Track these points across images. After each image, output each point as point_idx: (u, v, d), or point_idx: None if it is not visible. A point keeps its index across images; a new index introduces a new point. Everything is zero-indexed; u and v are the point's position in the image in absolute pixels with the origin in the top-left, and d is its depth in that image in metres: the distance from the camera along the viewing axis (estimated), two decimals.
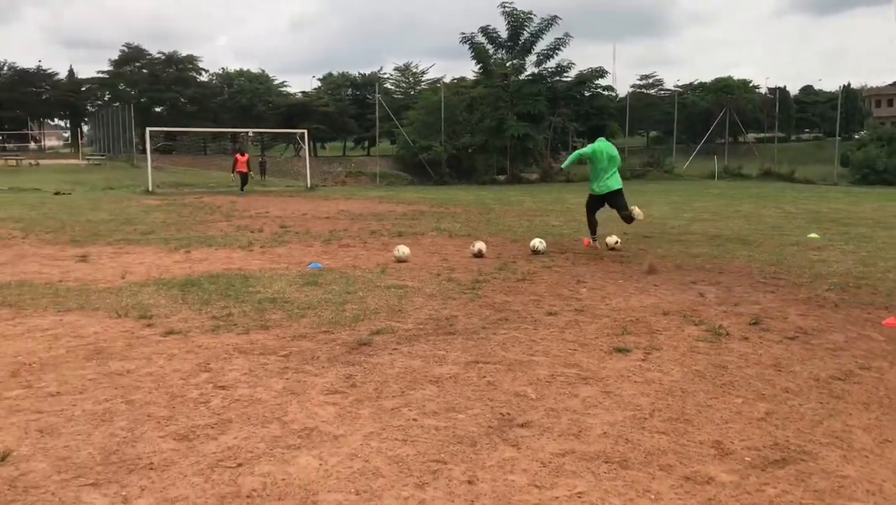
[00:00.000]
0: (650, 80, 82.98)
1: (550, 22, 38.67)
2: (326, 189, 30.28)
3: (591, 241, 11.27)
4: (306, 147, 35.00)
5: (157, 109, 77.41)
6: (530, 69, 41.22)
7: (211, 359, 5.25)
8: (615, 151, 11.08)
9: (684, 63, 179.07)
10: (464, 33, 39.72)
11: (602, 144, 11.00)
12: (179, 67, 78.74)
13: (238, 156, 27.25)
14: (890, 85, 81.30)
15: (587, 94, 45.93)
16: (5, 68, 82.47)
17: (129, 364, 5.11)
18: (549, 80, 41.92)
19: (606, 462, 3.57)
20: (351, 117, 77.19)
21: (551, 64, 41.16)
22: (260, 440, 3.80)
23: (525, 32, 39.34)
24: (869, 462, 3.58)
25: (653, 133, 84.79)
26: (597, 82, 45.88)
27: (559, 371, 5.02)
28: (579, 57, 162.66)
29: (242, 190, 26.67)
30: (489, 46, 40.13)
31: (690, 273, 8.92)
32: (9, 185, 28.92)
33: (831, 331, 6.13)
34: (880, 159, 38.10)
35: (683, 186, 32.36)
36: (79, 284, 8.14)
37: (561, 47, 39.78)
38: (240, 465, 3.50)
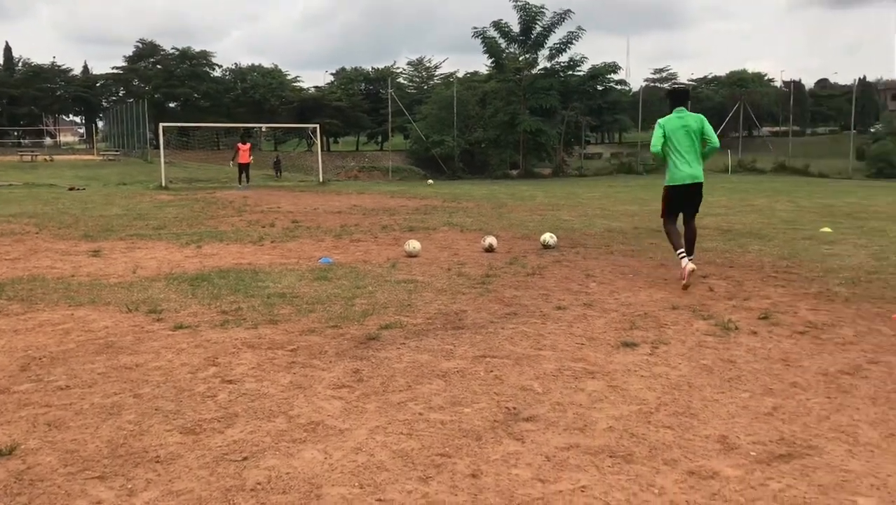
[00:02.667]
0: (664, 74, 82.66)
1: (563, 16, 38.65)
2: (339, 184, 30.33)
3: (682, 262, 7.59)
4: (318, 141, 35.08)
5: (171, 105, 77.80)
6: (543, 63, 41.23)
7: (219, 353, 5.28)
8: (699, 125, 7.77)
9: (698, 56, 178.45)
10: (476, 27, 39.79)
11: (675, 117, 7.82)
12: (193, 63, 79.00)
13: (239, 144, 26.26)
14: None
15: (600, 88, 45.77)
16: (20, 64, 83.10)
17: (138, 358, 5.15)
18: (561, 74, 41.85)
19: (611, 456, 3.56)
20: (364, 112, 77.26)
21: (564, 58, 41.19)
22: (266, 434, 3.82)
23: (537, 26, 39.31)
24: (874, 456, 3.55)
25: None
26: (610, 76, 45.73)
27: (566, 365, 5.02)
28: (592, 51, 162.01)
29: (240, 183, 26.09)
30: (501, 41, 40.16)
31: (701, 267, 8.87)
32: (24, 181, 29.18)
33: (841, 325, 6.09)
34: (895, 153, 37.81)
35: None
36: (90, 278, 8.20)
37: (573, 41, 39.80)
38: (245, 458, 3.52)
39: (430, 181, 34.81)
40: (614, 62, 43.99)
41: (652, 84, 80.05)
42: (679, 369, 4.94)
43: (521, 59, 40.04)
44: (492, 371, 4.90)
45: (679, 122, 7.76)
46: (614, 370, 4.92)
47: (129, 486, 3.24)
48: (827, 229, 12.61)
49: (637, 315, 6.45)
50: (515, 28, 39.04)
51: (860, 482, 3.29)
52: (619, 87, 48.21)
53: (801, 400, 4.34)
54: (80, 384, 4.61)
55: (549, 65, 40.78)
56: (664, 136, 7.78)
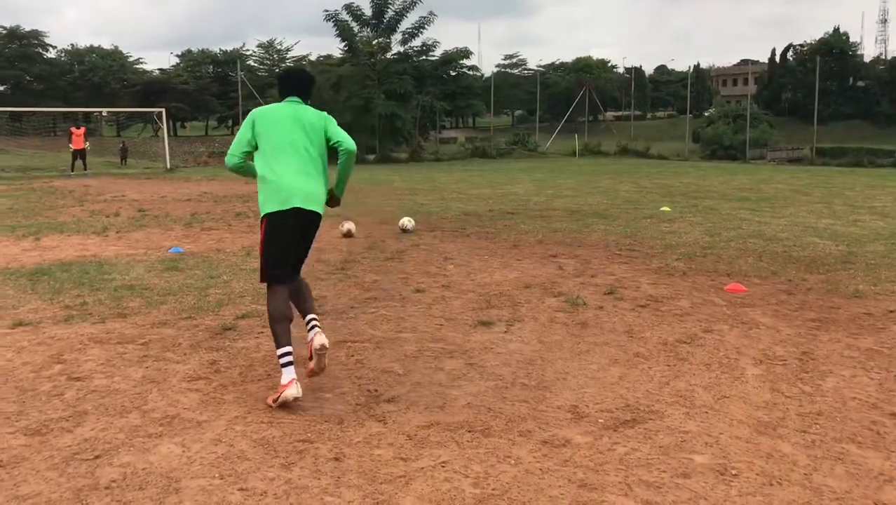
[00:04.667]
0: (514, 60, 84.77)
1: (414, 1, 38.73)
2: (188, 170, 29.19)
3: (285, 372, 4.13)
4: (165, 126, 33.56)
5: (0, 88, 72.25)
6: (396, 48, 41.22)
7: (64, 350, 5.02)
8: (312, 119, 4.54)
9: (547, 43, 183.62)
10: (327, 10, 39.19)
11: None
12: (23, 43, 73.45)
13: (73, 129, 24.80)
14: (735, 65, 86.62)
15: (453, 73, 46.37)
16: None
17: None
18: (415, 59, 42.04)
19: (469, 431, 3.70)
20: (213, 95, 74.67)
21: (417, 43, 41.32)
22: (118, 431, 3.68)
23: (389, 10, 39.23)
24: (708, 417, 3.88)
25: (518, 112, 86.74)
26: (462, 62, 46.40)
27: (426, 346, 5.13)
28: (444, 36, 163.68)
29: (73, 170, 24.61)
30: (354, 24, 39.78)
31: (551, 247, 9.27)
32: None
33: (679, 298, 6.55)
34: (727, 135, 40.69)
35: (547, 164, 33.34)
36: None
37: (426, 26, 39.97)
38: (97, 456, 3.39)
39: None
40: (466, 48, 44.57)
41: (504, 69, 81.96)
42: (532, 345, 5.16)
43: (374, 43, 39.93)
44: (353, 356, 4.94)
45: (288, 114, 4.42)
46: (472, 349, 5.07)
47: None
48: (666, 208, 13.44)
49: (493, 294, 6.66)
50: (368, 11, 38.89)
51: (696, 441, 3.58)
52: (471, 72, 49.05)
53: (644, 369, 4.66)
54: None
55: (402, 49, 40.93)
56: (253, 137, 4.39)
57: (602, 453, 3.45)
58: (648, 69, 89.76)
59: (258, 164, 4.34)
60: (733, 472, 3.25)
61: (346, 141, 4.45)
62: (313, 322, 4.40)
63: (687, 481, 3.16)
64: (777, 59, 71.11)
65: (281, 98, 4.55)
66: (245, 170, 4.50)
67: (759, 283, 7.15)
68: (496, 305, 6.31)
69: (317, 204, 4.37)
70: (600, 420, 3.85)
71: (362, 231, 10.73)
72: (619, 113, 73.45)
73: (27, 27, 74.23)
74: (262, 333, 5.45)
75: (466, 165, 33.23)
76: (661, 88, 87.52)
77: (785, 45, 75.97)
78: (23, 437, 3.62)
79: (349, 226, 10.45)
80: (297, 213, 4.25)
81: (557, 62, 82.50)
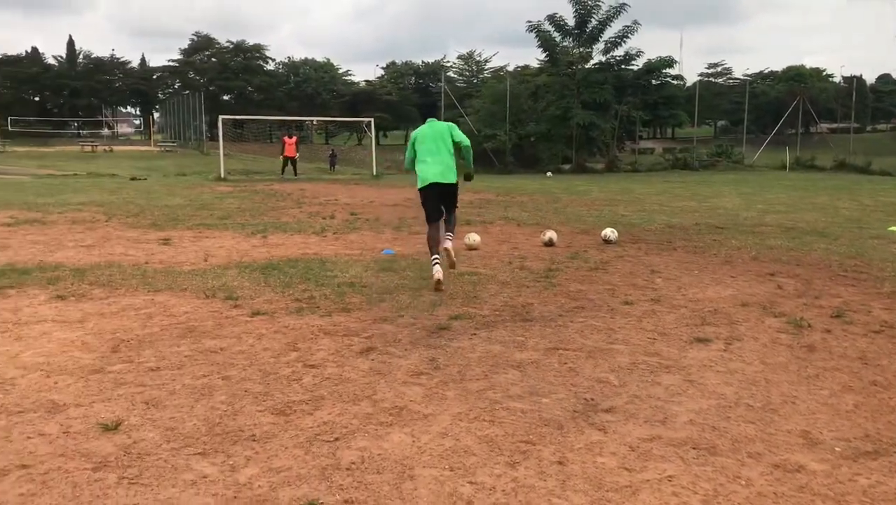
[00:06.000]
0: (718, 69, 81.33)
1: (619, 9, 38.25)
2: (391, 177, 30.53)
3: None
4: (373, 135, 35.31)
5: (225, 98, 79.13)
6: (597, 57, 40.87)
7: (298, 339, 5.43)
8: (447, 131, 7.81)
9: (754, 51, 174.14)
10: (530, 21, 39.62)
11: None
12: (247, 56, 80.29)
13: (285, 138, 26.79)
14: None
15: (655, 82, 45.15)
16: (81, 56, 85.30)
17: (221, 342, 5.33)
18: (616, 68, 41.46)
19: (694, 448, 3.60)
20: (413, 105, 77.58)
21: (619, 52, 40.74)
22: (353, 417, 3.94)
23: (593, 20, 39.00)
24: None
25: (720, 123, 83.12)
26: (665, 71, 45.07)
27: (640, 359, 5.05)
28: (644, 44, 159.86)
29: (282, 174, 26.41)
30: (556, 34, 39.90)
31: (767, 265, 8.80)
32: (87, 171, 30.01)
33: None
34: None
35: (754, 178, 31.63)
36: (164, 266, 8.46)
37: (629, 35, 39.34)
38: (336, 439, 3.65)
39: (549, 174, 34.91)
40: (670, 56, 43.19)
41: (706, 78, 78.86)
42: (754, 365, 4.94)
43: (575, 52, 39.83)
44: (566, 363, 4.96)
45: (427, 132, 7.73)
46: (689, 365, 4.94)
47: (231, 462, 3.39)
48: (894, 228, 12.34)
49: (707, 311, 6.44)
50: (570, 21, 38.87)
51: None
52: (674, 81, 47.44)
53: (883, 399, 4.32)
54: (169, 366, 4.80)
55: (603, 59, 40.49)
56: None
57: (842, 483, 3.24)
58: (870, 78, 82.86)
59: (416, 163, 7.71)
60: None
61: (464, 140, 7.80)
62: (448, 236, 7.69)
63: None
64: None
65: (423, 120, 8.36)
66: (413, 169, 7.78)
67: None
68: (711, 322, 6.09)
69: (447, 179, 7.55)
70: (837, 448, 3.61)
71: (563, 240, 10.74)
72: (835, 125, 68.30)
73: (251, 41, 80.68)
74: (475, 334, 5.61)
75: (666, 177, 32.28)
76: (883, 99, 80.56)
77: None
78: (270, 415, 3.96)
79: (550, 234, 10.49)
80: (434, 186, 7.52)
81: (766, 71, 78.28)
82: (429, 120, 8.04)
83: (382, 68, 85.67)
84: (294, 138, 27.09)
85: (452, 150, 7.65)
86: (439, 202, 7.60)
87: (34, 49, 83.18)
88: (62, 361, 4.90)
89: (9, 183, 23.16)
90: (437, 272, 7.15)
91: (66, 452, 3.48)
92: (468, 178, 8.16)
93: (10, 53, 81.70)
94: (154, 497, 3.06)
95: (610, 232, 10.71)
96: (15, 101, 77.28)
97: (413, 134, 7.90)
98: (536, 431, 3.78)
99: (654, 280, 7.87)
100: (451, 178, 7.55)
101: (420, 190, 7.64)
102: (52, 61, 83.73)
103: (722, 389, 4.48)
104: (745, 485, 3.22)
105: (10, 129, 64.27)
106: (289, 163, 26.63)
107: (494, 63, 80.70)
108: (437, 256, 7.35)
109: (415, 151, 7.68)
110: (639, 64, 42.56)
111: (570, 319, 6.14)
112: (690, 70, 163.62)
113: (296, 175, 26.48)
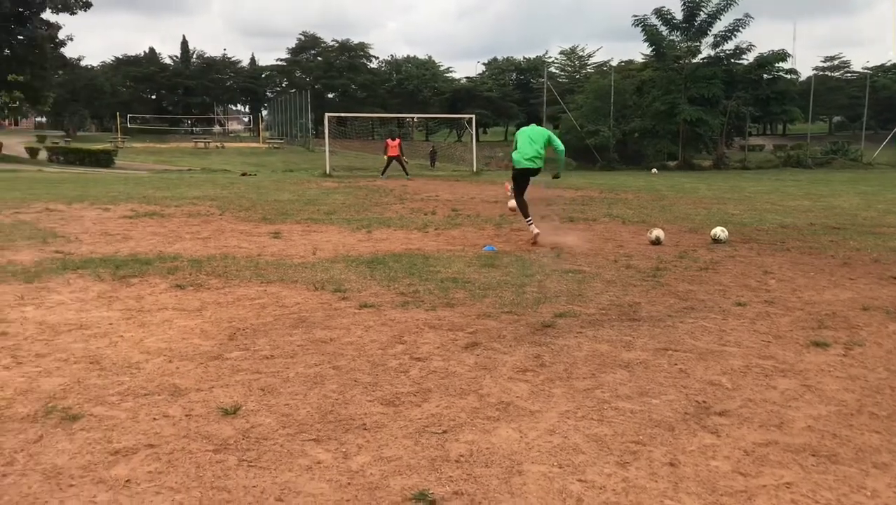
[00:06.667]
0: (835, 62, 77.65)
1: (729, 2, 37.00)
2: (490, 173, 30.58)
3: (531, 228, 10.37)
4: (473, 132, 35.42)
5: (330, 95, 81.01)
6: (706, 51, 39.71)
7: (404, 332, 5.52)
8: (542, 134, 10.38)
9: (876, 43, 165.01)
10: (636, 16, 38.87)
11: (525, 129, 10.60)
12: (351, 55, 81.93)
13: (389, 140, 27.35)
14: None
15: (767, 77, 43.43)
16: (194, 56, 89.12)
17: (331, 333, 5.47)
18: (726, 62, 40.16)
19: (814, 455, 3.46)
20: (514, 102, 77.36)
21: (729, 46, 39.45)
22: (460, 410, 3.97)
23: (702, 13, 37.90)
24: None
25: (836, 119, 79.33)
26: (779, 65, 43.25)
27: (754, 362, 4.89)
28: (754, 37, 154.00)
29: (383, 174, 26.86)
30: (663, 28, 39.00)
31: (890, 267, 8.35)
32: (201, 167, 31.36)
33: None
34: None
35: (874, 176, 30.07)
36: (275, 258, 8.75)
37: (740, 28, 38.05)
38: (445, 431, 3.69)
39: (655, 170, 34.43)
40: (783, 50, 41.37)
41: (822, 72, 75.35)
42: (878, 372, 4.70)
43: (682, 46, 38.81)
44: (676, 364, 4.85)
45: (527, 133, 10.48)
46: (806, 369, 4.74)
47: (343, 449, 3.48)
48: None
49: (824, 315, 6.16)
50: (678, 15, 37.89)
51: None
52: (787, 76, 45.41)
53: None
54: (282, 354, 4.96)
55: (712, 53, 39.28)
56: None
57: None
58: None
59: (514, 153, 10.39)
60: None
61: (558, 144, 10.38)
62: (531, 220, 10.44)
63: None
64: None
65: (527, 121, 11.32)
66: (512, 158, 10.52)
67: None
68: (829, 325, 5.83)
69: (534, 165, 10.25)
70: None
71: (671, 239, 10.50)
72: None
73: (355, 40, 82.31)
74: (581, 332, 5.56)
75: (777, 175, 31.09)
76: None
77: None
78: (380, 406, 4.04)
79: (657, 233, 10.27)
80: (524, 170, 10.34)
81: (888, 63, 74.05)
82: (532, 124, 10.65)
83: (484, 65, 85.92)
84: (397, 140, 27.51)
85: (544, 150, 10.28)
86: (525, 180, 10.54)
87: (151, 49, 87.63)
88: (183, 347, 5.14)
89: (129, 177, 24.45)
90: (534, 229, 10.18)
91: (188, 434, 3.65)
92: (556, 177, 11.14)
93: (129, 54, 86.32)
94: (272, 480, 3.18)
95: (720, 231, 10.39)
96: (133, 100, 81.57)
97: (517, 134, 10.68)
98: (646, 432, 3.72)
99: (768, 281, 7.60)
100: (535, 165, 10.30)
101: (513, 171, 10.67)
102: (167, 61, 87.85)
103: (842, 395, 4.28)
104: (870, 496, 3.08)
105: (128, 125, 67.82)
106: (394, 161, 27.07)
107: (598, 58, 79.56)
108: (529, 217, 10.36)
109: (517, 145, 10.36)
110: (749, 58, 41.10)
111: (680, 320, 6.00)
112: (803, 63, 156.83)
113: (406, 174, 26.79)
